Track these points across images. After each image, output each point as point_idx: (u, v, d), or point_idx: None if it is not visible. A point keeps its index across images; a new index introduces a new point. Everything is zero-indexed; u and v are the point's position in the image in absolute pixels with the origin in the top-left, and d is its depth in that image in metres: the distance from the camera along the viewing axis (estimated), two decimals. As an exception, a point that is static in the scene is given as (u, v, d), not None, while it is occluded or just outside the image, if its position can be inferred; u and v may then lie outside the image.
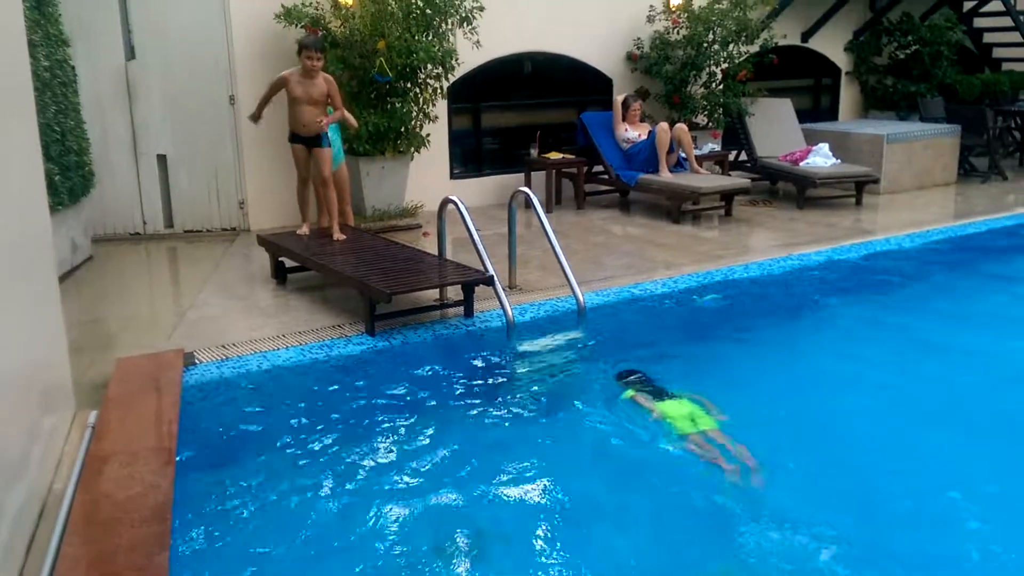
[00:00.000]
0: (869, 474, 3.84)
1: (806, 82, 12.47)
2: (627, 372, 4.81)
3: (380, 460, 3.94)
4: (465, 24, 8.13)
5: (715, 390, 4.56)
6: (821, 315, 6.11)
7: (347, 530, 3.39)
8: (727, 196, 8.81)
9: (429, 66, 8.05)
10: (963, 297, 6.49)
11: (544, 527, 3.40)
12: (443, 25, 8.12)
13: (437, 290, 5.81)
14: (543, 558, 3.21)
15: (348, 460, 3.93)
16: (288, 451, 4.01)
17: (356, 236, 6.74)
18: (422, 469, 3.85)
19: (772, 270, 6.86)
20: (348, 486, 3.71)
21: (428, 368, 4.97)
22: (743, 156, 10.48)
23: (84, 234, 7.25)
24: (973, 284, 6.84)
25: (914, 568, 3.16)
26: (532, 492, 3.67)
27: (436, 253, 6.15)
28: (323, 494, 3.65)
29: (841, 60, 12.52)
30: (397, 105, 8.04)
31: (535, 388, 4.78)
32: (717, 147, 10.19)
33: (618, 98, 9.52)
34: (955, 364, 5.08)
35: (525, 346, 5.37)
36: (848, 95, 12.72)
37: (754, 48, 10.20)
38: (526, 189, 6.22)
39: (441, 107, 8.86)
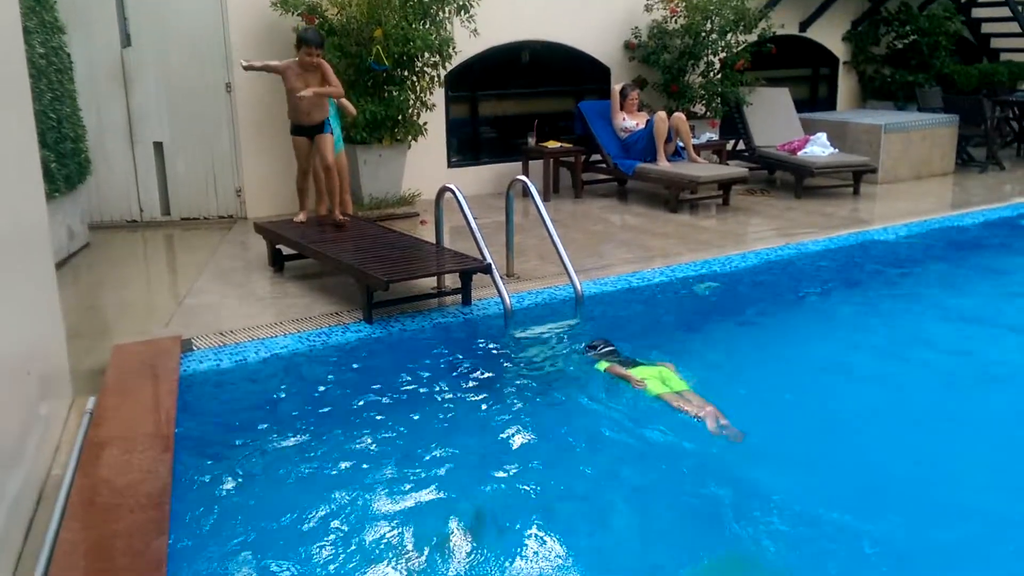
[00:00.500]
0: (867, 459, 3.85)
1: (804, 71, 12.46)
2: (594, 344, 4.97)
3: (377, 447, 3.95)
4: (462, 12, 8.11)
5: (712, 376, 4.58)
6: (818, 304, 6.13)
7: (344, 516, 3.39)
8: (725, 185, 8.81)
9: (426, 54, 8.03)
10: (959, 286, 6.50)
11: (542, 511, 3.40)
12: (440, 13, 8.09)
13: (435, 278, 5.81)
14: (539, 541, 3.22)
15: (345, 447, 3.93)
16: (285, 438, 4.01)
17: (354, 224, 6.73)
18: (420, 456, 3.85)
19: (769, 259, 6.87)
20: (345, 472, 3.72)
21: (426, 356, 4.97)
22: (741, 145, 10.47)
23: (81, 221, 7.23)
24: (969, 273, 6.85)
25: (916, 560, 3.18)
26: (530, 477, 3.67)
27: (434, 241, 6.15)
28: (320, 481, 3.65)
29: (839, 50, 12.51)
30: (394, 93, 8.02)
31: (533, 376, 4.78)
32: (715, 136, 10.19)
33: (616, 87, 9.50)
34: (951, 356, 5.09)
35: (522, 334, 5.37)
36: (846, 85, 12.71)
37: (752, 37, 10.18)
38: (524, 178, 6.22)
39: (438, 95, 8.84)
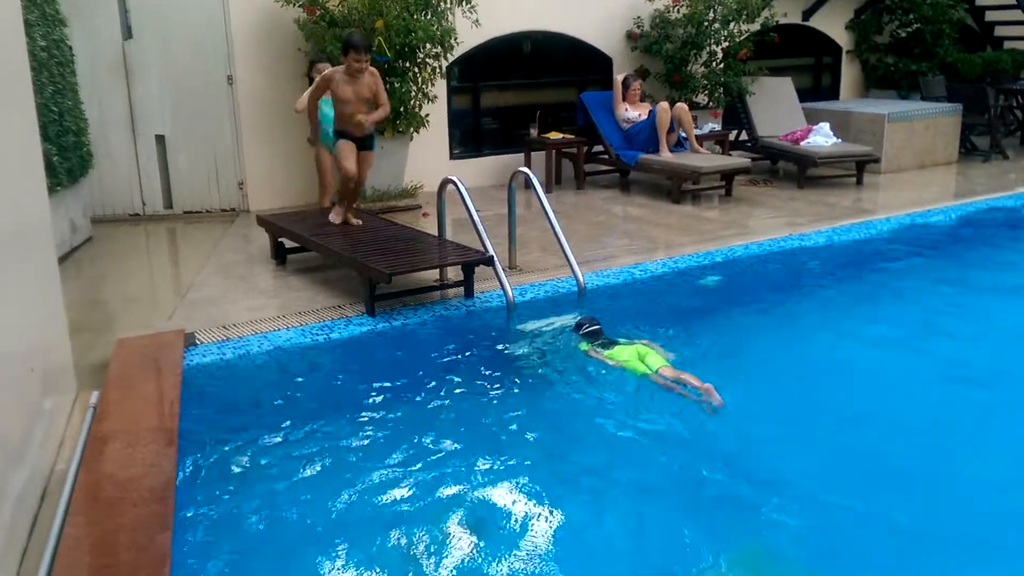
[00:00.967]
0: (872, 447, 3.86)
1: (807, 61, 12.41)
2: (580, 322, 5.10)
3: (381, 440, 3.95)
4: (464, 3, 8.08)
5: (715, 366, 4.57)
6: (821, 294, 6.12)
7: (348, 508, 3.40)
8: (727, 176, 8.79)
9: (428, 45, 8.01)
10: (964, 275, 6.48)
11: (544, 504, 3.41)
12: (441, 4, 8.07)
13: (437, 270, 5.80)
14: (541, 534, 3.23)
15: (348, 440, 3.94)
16: (288, 431, 4.01)
17: (356, 217, 6.71)
18: (423, 449, 3.85)
19: (772, 249, 6.85)
20: (349, 465, 3.72)
21: (428, 349, 4.97)
22: (744, 135, 10.44)
23: (83, 215, 7.23)
24: (974, 262, 6.84)
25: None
26: (534, 470, 3.67)
27: (436, 234, 6.14)
28: (323, 473, 3.66)
29: (842, 39, 12.45)
30: (396, 85, 7.99)
31: (536, 368, 4.78)
32: (717, 127, 10.15)
33: (618, 77, 9.47)
34: (959, 347, 5.08)
35: (525, 326, 5.36)
36: (849, 74, 12.65)
37: (755, 27, 10.13)
38: (526, 169, 6.21)
39: (440, 87, 8.81)
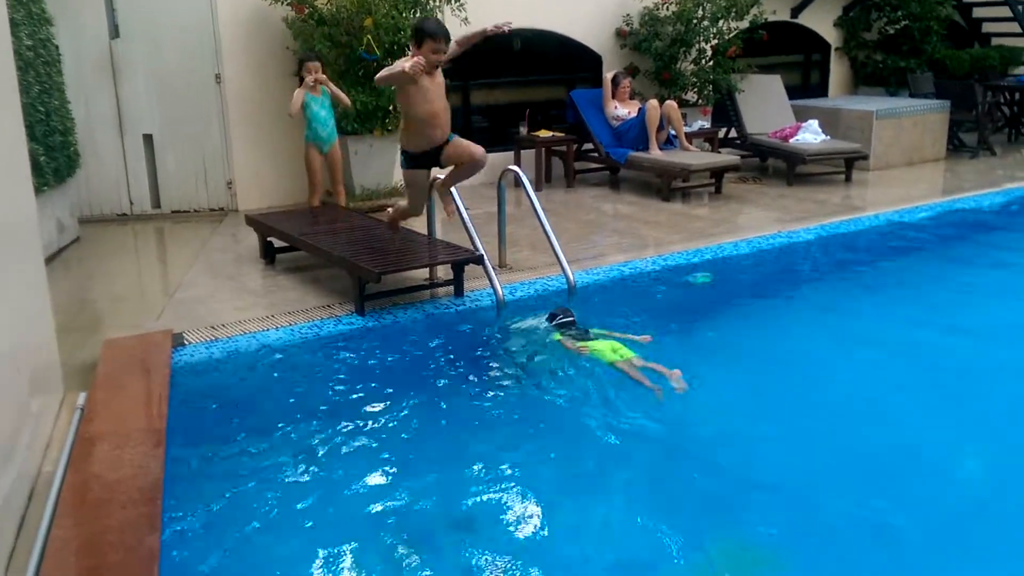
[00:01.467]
0: (859, 444, 3.87)
1: (796, 58, 12.42)
2: (554, 313, 5.21)
3: (370, 439, 3.94)
4: (452, 1, 8.06)
5: (705, 363, 4.58)
6: (810, 290, 6.13)
7: (337, 508, 3.39)
8: (717, 173, 8.80)
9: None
10: (952, 272, 6.51)
11: (534, 503, 3.41)
12: (430, 2, 8.05)
13: (427, 269, 5.80)
14: (530, 531, 3.23)
15: (338, 439, 3.92)
16: (278, 431, 4.00)
17: (345, 216, 6.71)
18: (412, 448, 3.86)
19: (762, 246, 6.87)
20: (338, 465, 3.71)
21: (418, 348, 4.96)
22: (733, 133, 10.45)
23: (70, 215, 7.20)
24: (961, 258, 6.87)
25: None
26: (523, 468, 3.67)
27: (425, 232, 6.13)
28: (313, 473, 3.65)
29: (831, 36, 12.48)
30: (385, 83, 7.97)
31: (525, 366, 4.78)
32: (707, 124, 10.16)
33: (607, 75, 9.47)
34: (945, 341, 5.10)
35: (515, 325, 5.36)
36: (838, 71, 12.68)
37: (744, 24, 10.14)
38: (515, 167, 6.20)
39: (429, 85, 8.78)
